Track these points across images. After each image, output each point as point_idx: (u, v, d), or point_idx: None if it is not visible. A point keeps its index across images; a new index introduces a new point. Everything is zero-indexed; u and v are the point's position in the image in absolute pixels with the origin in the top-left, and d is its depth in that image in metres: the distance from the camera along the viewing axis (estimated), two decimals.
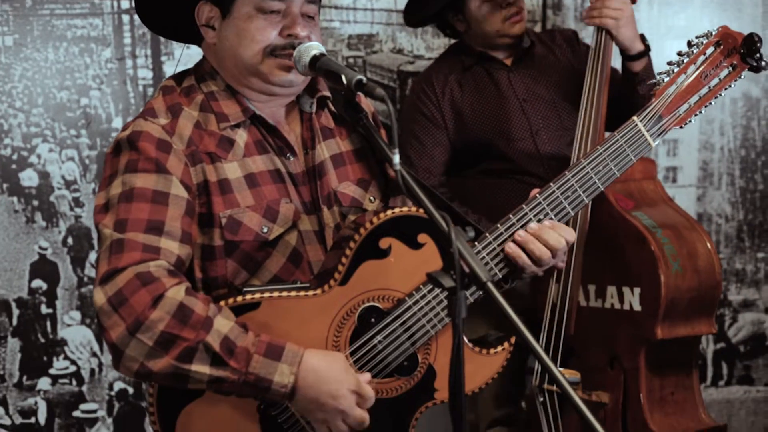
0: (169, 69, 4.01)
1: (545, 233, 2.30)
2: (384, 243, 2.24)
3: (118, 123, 3.99)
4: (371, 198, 2.46)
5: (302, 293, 2.22)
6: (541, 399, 3.17)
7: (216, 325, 2.08)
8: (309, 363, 2.12)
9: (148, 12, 2.46)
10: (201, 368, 2.07)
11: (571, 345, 3.17)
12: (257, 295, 2.19)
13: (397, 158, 2.01)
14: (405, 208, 2.25)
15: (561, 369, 3.07)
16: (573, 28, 4.00)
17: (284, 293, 2.21)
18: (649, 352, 3.07)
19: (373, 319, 2.24)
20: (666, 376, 3.14)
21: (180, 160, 2.23)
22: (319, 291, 2.22)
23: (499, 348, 2.35)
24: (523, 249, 2.30)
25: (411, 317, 2.26)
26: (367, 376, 2.20)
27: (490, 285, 1.94)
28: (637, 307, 3.05)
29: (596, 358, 3.12)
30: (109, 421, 4.17)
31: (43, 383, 4.09)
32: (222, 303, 2.16)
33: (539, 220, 2.33)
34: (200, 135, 2.28)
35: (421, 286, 2.26)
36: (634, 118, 2.41)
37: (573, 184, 2.35)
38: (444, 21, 3.59)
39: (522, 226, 2.32)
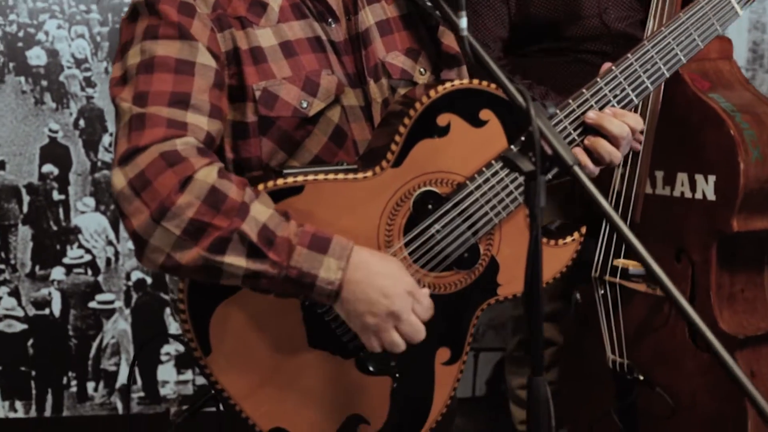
0: None
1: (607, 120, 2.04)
2: (442, 120, 1.98)
3: None
4: (421, 70, 2.19)
5: (350, 176, 1.96)
6: (602, 291, 2.94)
7: (253, 211, 1.83)
8: (359, 257, 1.87)
9: None
10: (236, 260, 1.82)
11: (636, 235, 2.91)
12: (300, 178, 1.93)
13: (464, 22, 1.75)
14: (466, 81, 1.99)
15: (624, 260, 2.83)
16: None
17: (330, 175, 1.95)
18: (721, 245, 2.82)
19: (430, 206, 1.99)
20: (737, 272, 2.90)
21: (205, 25, 1.96)
22: (369, 173, 1.96)
23: (569, 238, 2.10)
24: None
25: (473, 204, 2.00)
26: (426, 291, 1.96)
27: (576, 169, 1.69)
28: (711, 197, 2.79)
29: (661, 250, 2.87)
30: (127, 312, 3.96)
31: (57, 273, 3.90)
32: (259, 187, 1.90)
33: (615, 96, 2.06)
34: None
35: (484, 169, 2.01)
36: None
37: (653, 56, 2.08)
38: None
39: (597, 102, 2.05)
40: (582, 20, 3.10)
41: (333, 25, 2.08)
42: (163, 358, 4.03)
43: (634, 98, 2.07)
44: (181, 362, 4.05)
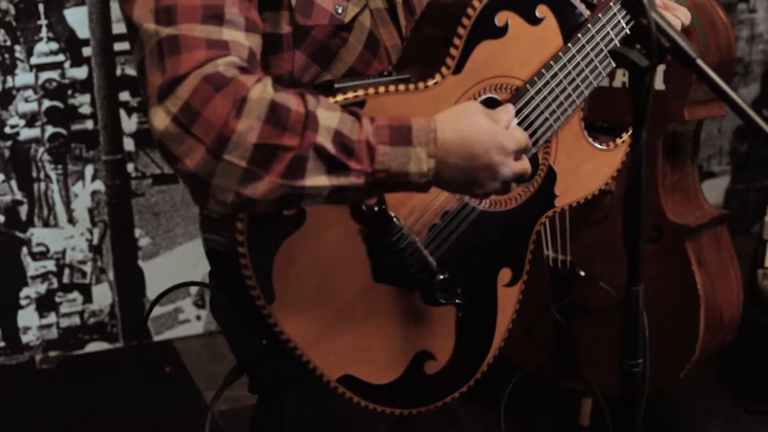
0: None
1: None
2: (500, 18, 1.78)
3: None
4: None
5: (411, 87, 1.74)
6: None
7: (321, 119, 1.57)
8: (446, 137, 1.63)
9: None
10: (317, 180, 1.56)
11: None
12: (360, 92, 1.69)
13: None
14: None
15: None
16: None
17: (391, 87, 1.72)
18: (667, 135, 2.78)
19: None
20: (675, 163, 2.88)
21: None
22: (430, 82, 1.74)
23: (619, 140, 1.97)
24: None
25: (534, 110, 1.83)
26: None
27: (700, 61, 1.55)
28: (660, 86, 2.72)
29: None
30: None
31: None
32: None
33: None
34: None
35: (543, 71, 1.83)
36: None
37: None
38: None
39: None
40: None
41: None
42: (23, 302, 3.65)
43: None
44: (44, 305, 3.68)
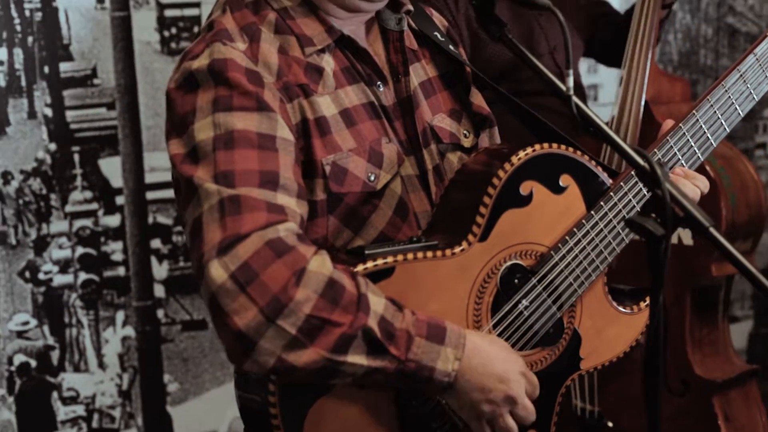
0: None
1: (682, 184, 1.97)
2: (525, 188, 1.85)
3: (2, 54, 3.35)
4: (465, 132, 2.06)
5: (438, 253, 1.80)
6: None
7: (371, 303, 1.65)
8: (473, 344, 1.73)
9: None
10: (357, 359, 1.64)
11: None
12: (389, 259, 1.76)
13: (571, 81, 1.66)
14: (545, 145, 1.87)
15: None
16: None
17: (419, 254, 1.78)
18: (695, 290, 2.82)
19: (516, 281, 1.86)
20: (703, 316, 2.91)
21: (275, 95, 1.76)
22: (457, 249, 1.81)
23: (643, 304, 2.02)
24: None
25: (558, 276, 1.89)
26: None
27: (713, 230, 1.61)
28: (688, 242, 2.78)
29: None
30: (11, 400, 3.57)
31: None
32: None
33: (683, 154, 1.99)
34: (287, 63, 1.82)
35: (567, 238, 1.89)
36: None
37: (715, 111, 2.02)
38: None
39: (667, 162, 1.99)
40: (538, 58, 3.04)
41: (382, 88, 1.93)
42: None
43: (700, 156, 2.01)
44: None
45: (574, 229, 1.89)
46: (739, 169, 2.87)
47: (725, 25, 4.55)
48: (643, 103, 2.94)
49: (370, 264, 1.74)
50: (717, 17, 4.54)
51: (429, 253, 1.79)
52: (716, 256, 2.78)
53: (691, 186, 1.95)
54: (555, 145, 1.87)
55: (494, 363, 1.73)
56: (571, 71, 1.69)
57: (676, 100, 2.97)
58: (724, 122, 2.02)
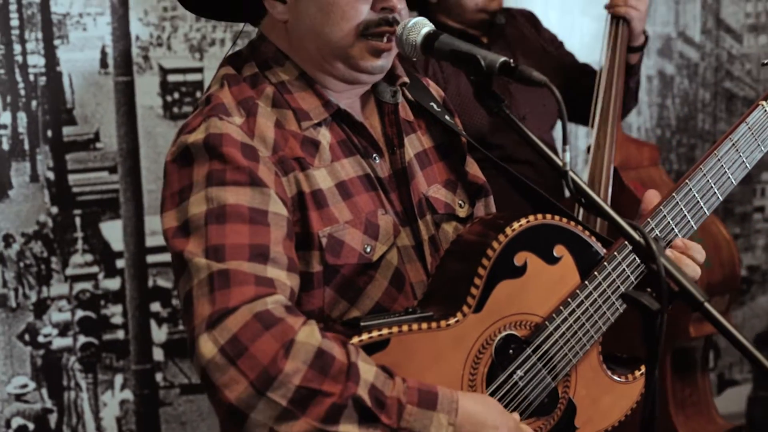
0: (63, 54, 3.46)
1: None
2: (519, 258, 1.87)
3: (6, 118, 3.38)
4: (461, 203, 2.08)
5: (433, 325, 1.81)
6: None
7: (362, 372, 1.66)
8: (466, 408, 1.73)
9: None
10: (349, 428, 1.64)
11: None
12: (384, 331, 1.77)
13: (567, 156, 1.68)
14: (539, 215, 1.89)
15: None
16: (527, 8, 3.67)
17: (414, 326, 1.80)
18: (675, 351, 2.83)
19: (511, 351, 1.87)
20: (684, 377, 2.93)
21: (270, 169, 1.79)
22: (452, 320, 1.82)
23: (638, 373, 2.02)
24: None
25: (552, 345, 1.90)
26: (517, 416, 1.84)
27: (708, 305, 1.63)
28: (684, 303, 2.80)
29: None
30: None
31: None
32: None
33: (677, 224, 2.01)
34: (284, 137, 1.85)
35: (561, 308, 1.91)
36: (763, 103, 2.11)
37: (708, 180, 2.04)
38: None
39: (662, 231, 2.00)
40: (502, 130, 3.09)
41: (377, 161, 1.95)
42: None
43: (694, 225, 2.03)
44: None
45: (569, 299, 1.90)
46: (711, 231, 2.92)
47: (723, 90, 4.59)
48: (612, 169, 2.99)
49: (365, 336, 1.75)
50: (714, 82, 4.58)
51: (424, 325, 1.80)
52: (695, 317, 2.79)
53: (692, 265, 1.95)
54: (548, 216, 1.89)
55: (486, 426, 1.74)
56: (568, 147, 1.70)
57: (644, 165, 3.03)
58: (717, 191, 2.04)
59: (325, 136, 1.89)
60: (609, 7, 3.19)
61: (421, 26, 1.86)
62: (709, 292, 2.84)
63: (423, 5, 3.24)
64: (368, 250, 1.87)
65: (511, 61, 1.76)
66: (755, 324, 4.71)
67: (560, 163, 1.73)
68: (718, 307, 2.90)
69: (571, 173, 1.72)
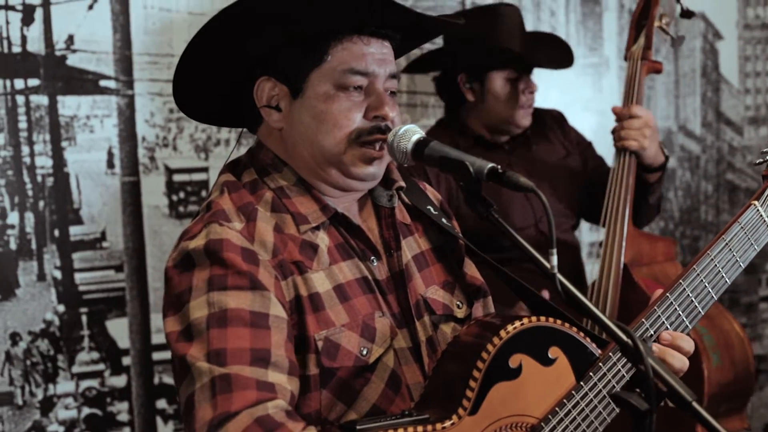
0: (71, 156, 3.51)
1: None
2: (514, 361, 1.89)
3: (14, 218, 3.43)
4: (458, 303, 2.11)
5: (429, 428, 1.83)
6: None
7: None
8: None
9: (188, 93, 2.03)
10: None
11: None
12: None
13: (555, 260, 1.71)
14: (533, 318, 1.91)
15: None
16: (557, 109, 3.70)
17: (410, 429, 1.81)
18: None
19: None
20: None
21: (270, 273, 1.82)
22: (447, 423, 1.83)
23: None
24: None
25: None
26: None
27: (696, 405, 1.65)
28: (672, 404, 2.79)
29: None
30: None
31: None
32: None
33: (671, 323, 2.03)
34: (283, 240, 1.88)
35: (557, 409, 1.92)
36: (755, 203, 2.14)
37: (702, 280, 2.06)
38: (451, 80, 3.25)
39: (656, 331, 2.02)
40: (519, 231, 3.11)
41: (375, 263, 1.99)
42: None
43: (689, 324, 2.05)
44: None
45: (564, 400, 1.92)
46: (722, 327, 2.90)
47: (725, 182, 4.63)
48: (621, 267, 3.00)
49: None
50: (717, 174, 4.63)
51: (420, 428, 1.81)
52: None
53: (679, 357, 1.98)
54: (543, 318, 1.91)
55: None
56: (554, 250, 1.74)
57: (658, 260, 3.03)
58: (711, 290, 2.06)
59: (323, 239, 1.93)
60: (615, 140, 3.17)
61: (411, 133, 1.90)
62: (721, 392, 2.83)
63: (454, 99, 3.28)
64: (365, 352, 1.89)
65: (499, 167, 1.80)
66: (764, 414, 4.69)
67: (548, 266, 1.76)
68: (730, 409, 2.89)
69: (558, 276, 1.75)
